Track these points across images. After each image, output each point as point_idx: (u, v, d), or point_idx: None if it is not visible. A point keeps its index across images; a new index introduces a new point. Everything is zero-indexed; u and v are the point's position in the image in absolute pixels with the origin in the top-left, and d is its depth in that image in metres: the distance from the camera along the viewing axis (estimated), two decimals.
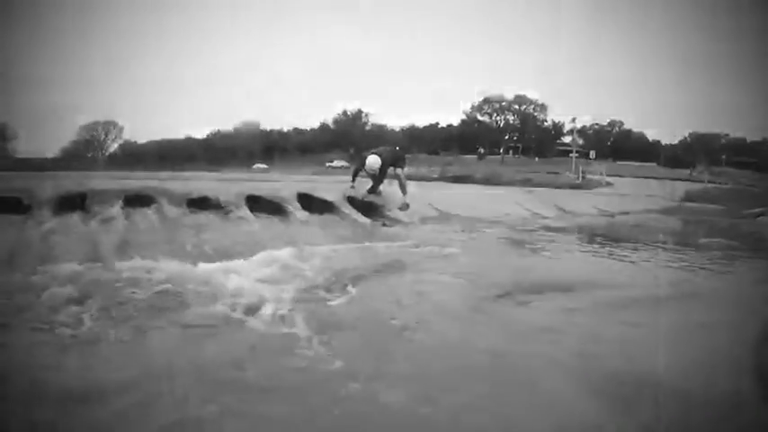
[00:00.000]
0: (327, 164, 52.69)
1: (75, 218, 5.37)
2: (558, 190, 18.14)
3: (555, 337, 3.07)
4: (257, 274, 4.07)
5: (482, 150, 63.58)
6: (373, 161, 7.76)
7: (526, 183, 25.42)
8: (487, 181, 27.37)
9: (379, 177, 7.98)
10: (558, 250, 6.10)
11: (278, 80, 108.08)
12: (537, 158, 56.55)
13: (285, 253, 4.72)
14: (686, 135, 65.51)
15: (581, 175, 25.13)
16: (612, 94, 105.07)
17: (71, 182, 6.42)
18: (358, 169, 8.12)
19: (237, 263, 4.43)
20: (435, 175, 32.50)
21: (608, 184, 22.21)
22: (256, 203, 6.59)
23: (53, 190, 5.77)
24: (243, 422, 2.13)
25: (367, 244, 5.60)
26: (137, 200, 5.90)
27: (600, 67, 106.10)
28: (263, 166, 53.20)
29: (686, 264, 5.46)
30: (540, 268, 4.99)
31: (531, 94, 63.03)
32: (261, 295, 3.56)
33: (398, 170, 8.13)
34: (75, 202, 5.64)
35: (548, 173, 37.62)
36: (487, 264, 4.95)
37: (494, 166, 46.64)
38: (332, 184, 8.66)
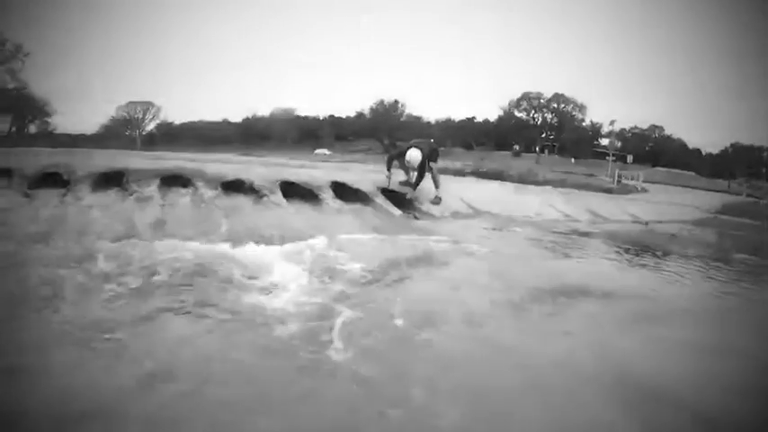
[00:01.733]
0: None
1: (112, 195, 5.61)
2: (592, 193, 17.84)
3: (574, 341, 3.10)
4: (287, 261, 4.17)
5: (517, 147, 62.73)
6: (416, 155, 7.69)
7: (561, 183, 25.08)
8: (522, 179, 27.01)
9: (420, 173, 7.90)
10: (586, 256, 6.05)
11: (316, 67, 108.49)
12: (573, 159, 55.45)
13: (319, 241, 4.82)
14: (728, 145, 63.37)
15: (617, 179, 24.64)
16: (655, 98, 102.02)
17: (109, 159, 6.65)
18: (393, 158, 8.13)
19: (270, 249, 4.54)
20: (469, 170, 32.31)
21: (644, 190, 21.71)
22: (290, 189, 6.73)
23: (92, 167, 6.00)
24: None
25: (402, 237, 5.64)
26: (174, 180, 6.10)
27: (643, 69, 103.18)
28: (327, 152, 53.10)
29: (716, 280, 5.38)
30: (567, 274, 4.91)
31: (571, 94, 61.91)
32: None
33: (432, 163, 8.14)
34: (112, 180, 5.88)
35: (583, 174, 37.00)
36: (515, 266, 4.94)
37: (529, 165, 46.00)
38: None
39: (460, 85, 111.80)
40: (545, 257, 5.63)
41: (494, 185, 11.84)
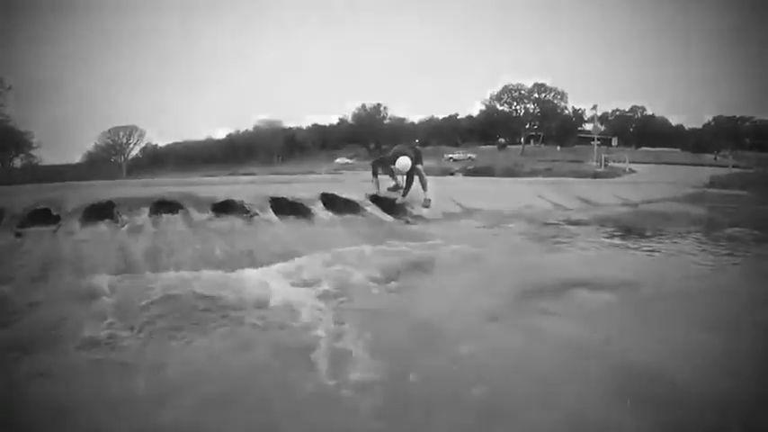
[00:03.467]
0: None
1: (103, 227, 5.55)
2: (580, 180, 17.98)
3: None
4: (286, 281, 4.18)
5: (503, 140, 63.00)
6: (405, 163, 7.65)
7: (548, 173, 25.27)
8: (508, 173, 27.23)
9: (409, 179, 7.90)
10: (580, 246, 6.09)
11: (297, 77, 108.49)
12: (559, 147, 55.81)
13: (312, 259, 4.84)
14: (710, 119, 63.89)
15: (603, 163, 24.85)
16: (634, 78, 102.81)
17: (97, 191, 6.62)
18: (378, 163, 8.14)
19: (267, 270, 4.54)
20: (457, 168, 32.40)
21: (631, 171, 21.93)
22: (279, 205, 6.73)
23: (81, 199, 5.97)
24: None
25: (394, 243, 5.64)
26: (164, 206, 6.08)
27: (620, 50, 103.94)
28: (348, 160, 52.44)
29: (711, 258, 5.46)
30: (563, 267, 4.94)
31: (552, 83, 62.29)
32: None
33: (418, 166, 8.16)
34: (103, 211, 5.84)
35: (570, 161, 37.22)
36: (512, 263, 4.98)
37: (514, 157, 46.29)
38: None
39: (440, 83, 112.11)
40: (540, 251, 5.66)
41: (482, 182, 11.88)
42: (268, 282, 4.08)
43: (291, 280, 4.16)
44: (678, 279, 4.53)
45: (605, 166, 24.23)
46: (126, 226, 5.55)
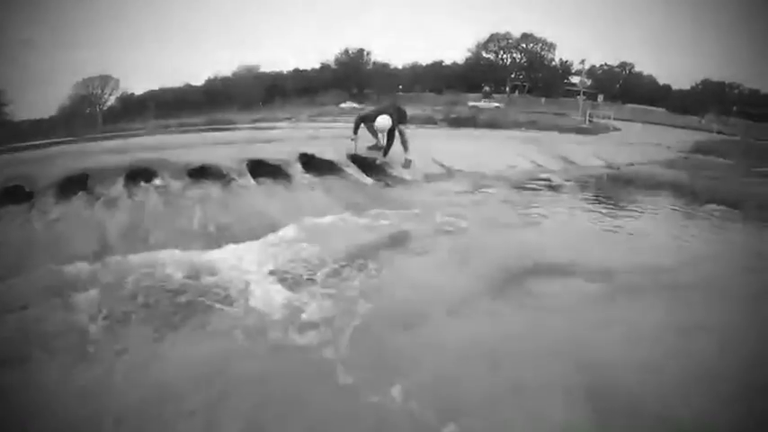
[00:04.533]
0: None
1: (78, 202, 5.27)
2: (563, 135, 17.90)
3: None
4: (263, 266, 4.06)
5: (488, 89, 62.07)
6: (385, 122, 7.53)
7: (532, 125, 25.05)
8: (492, 124, 26.90)
9: (389, 139, 7.77)
10: (559, 219, 6.04)
11: (275, 17, 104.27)
12: (544, 99, 55.13)
13: (289, 231, 4.72)
14: (698, 82, 63.30)
15: (588, 118, 24.70)
16: (623, 33, 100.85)
17: (71, 159, 6.28)
18: (360, 121, 7.94)
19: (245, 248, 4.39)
20: (440, 117, 31.95)
21: (615, 128, 21.84)
22: (257, 167, 6.55)
23: (54, 173, 5.67)
24: None
25: (371, 213, 5.52)
26: (139, 174, 5.84)
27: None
28: (355, 105, 50.40)
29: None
30: (538, 246, 4.79)
31: (540, 33, 61.02)
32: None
33: (401, 126, 7.99)
34: (76, 183, 5.56)
35: (554, 114, 36.90)
36: (487, 242, 4.82)
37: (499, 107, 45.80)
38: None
39: (426, 27, 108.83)
40: (518, 225, 5.55)
41: (464, 139, 11.68)
42: (240, 267, 3.94)
43: (265, 263, 4.02)
44: (653, 269, 4.31)
45: (590, 121, 24.09)
46: (101, 198, 5.32)
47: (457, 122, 30.38)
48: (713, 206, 6.91)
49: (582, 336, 3.09)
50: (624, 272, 4.14)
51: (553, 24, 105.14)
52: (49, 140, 11.91)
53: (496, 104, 44.75)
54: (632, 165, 11.13)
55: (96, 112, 54.78)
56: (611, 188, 8.38)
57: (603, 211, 6.54)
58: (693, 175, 9.60)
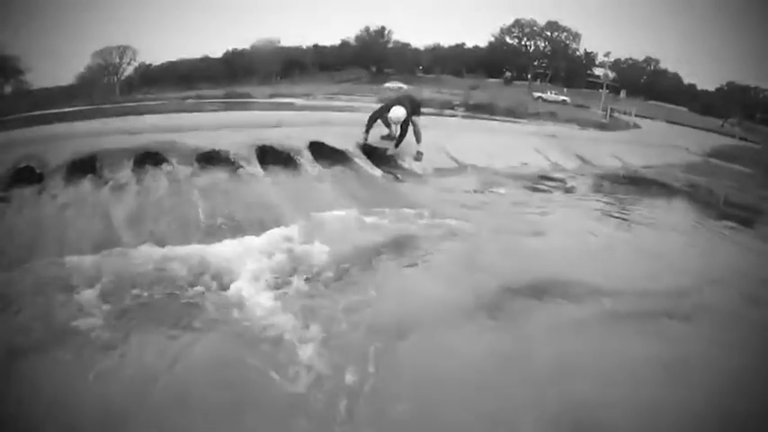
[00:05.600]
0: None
1: (86, 186, 5.29)
2: (582, 131, 17.59)
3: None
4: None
5: (508, 75, 61.16)
6: (400, 112, 7.47)
7: (552, 117, 24.61)
8: (511, 112, 26.54)
9: (403, 130, 7.69)
10: (570, 225, 5.89)
11: None
12: (565, 89, 54.07)
13: (292, 230, 4.66)
14: (724, 84, 61.41)
15: (609, 113, 24.22)
16: (651, 29, 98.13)
17: (81, 139, 6.24)
18: (375, 118, 7.82)
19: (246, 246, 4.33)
20: (457, 102, 31.48)
21: (636, 126, 21.37)
22: (266, 154, 6.49)
23: (64, 154, 5.66)
24: None
25: (377, 210, 5.38)
26: (148, 158, 5.82)
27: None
28: (402, 85, 46.42)
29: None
30: (544, 260, 4.60)
31: (565, 22, 59.62)
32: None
33: (414, 117, 7.88)
34: (86, 165, 5.56)
35: (575, 106, 36.28)
36: (491, 250, 4.68)
37: (519, 95, 45.09)
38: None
39: (449, 8, 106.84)
40: (525, 233, 5.34)
41: (480, 132, 11.45)
42: (239, 266, 3.88)
43: (263, 265, 3.96)
44: (664, 293, 4.13)
45: (610, 117, 23.63)
46: (110, 183, 5.30)
47: (475, 109, 30.02)
48: (726, 222, 6.76)
49: (571, 365, 3.01)
50: (626, 294, 3.99)
51: (579, 14, 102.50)
52: (66, 109, 11.92)
53: (564, 98, 42.09)
54: (649, 167, 10.91)
55: (114, 82, 54.89)
56: (626, 192, 8.21)
57: (614, 219, 6.38)
58: (710, 184, 9.39)
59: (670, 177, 9.97)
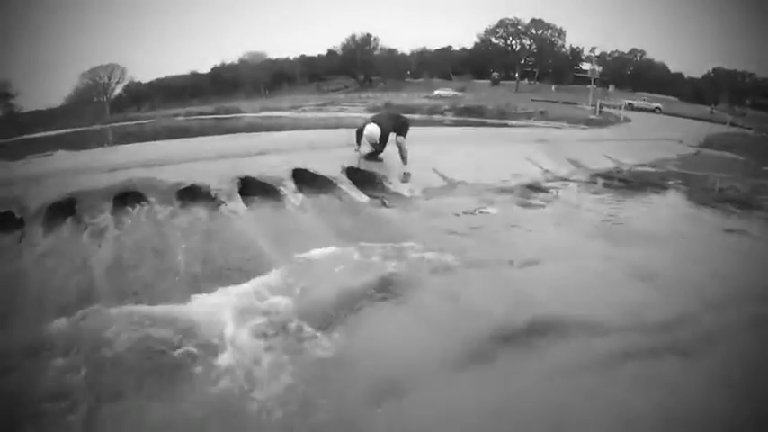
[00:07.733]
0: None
1: (65, 232, 5.13)
2: (573, 129, 17.49)
3: None
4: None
5: (496, 75, 61.24)
6: (373, 131, 7.33)
7: (542, 116, 24.61)
8: (501, 114, 26.53)
9: (379, 146, 7.61)
10: (563, 244, 5.69)
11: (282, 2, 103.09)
12: (554, 87, 54.02)
13: (271, 276, 4.46)
14: (710, 70, 61.41)
15: (598, 109, 24.20)
16: (636, 20, 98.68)
17: (61, 178, 6.00)
18: (362, 131, 7.64)
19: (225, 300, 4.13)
20: (446, 107, 31.45)
21: (626, 119, 21.31)
22: (248, 185, 6.30)
23: (43, 196, 5.47)
24: None
25: (362, 245, 5.15)
26: (128, 196, 5.64)
27: None
28: (452, 92, 46.02)
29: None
30: (534, 294, 4.28)
31: (549, 19, 59.78)
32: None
33: (400, 138, 7.70)
34: (66, 209, 5.38)
35: (564, 103, 36.26)
36: (480, 285, 4.43)
37: (508, 95, 45.04)
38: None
39: (435, 11, 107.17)
40: (516, 265, 4.96)
41: (469, 143, 11.25)
42: (216, 326, 3.68)
43: (240, 320, 3.75)
44: (661, 325, 3.83)
45: (600, 112, 23.60)
46: (88, 228, 5.10)
47: (465, 112, 30.02)
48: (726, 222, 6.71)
49: (566, 421, 2.82)
50: (621, 330, 3.73)
51: (562, 9, 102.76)
52: (55, 132, 11.78)
53: (656, 105, 36.73)
54: (642, 165, 10.87)
55: (104, 102, 54.95)
56: (620, 197, 8.08)
57: (608, 232, 6.18)
58: (704, 181, 9.33)
59: (664, 175, 9.89)
